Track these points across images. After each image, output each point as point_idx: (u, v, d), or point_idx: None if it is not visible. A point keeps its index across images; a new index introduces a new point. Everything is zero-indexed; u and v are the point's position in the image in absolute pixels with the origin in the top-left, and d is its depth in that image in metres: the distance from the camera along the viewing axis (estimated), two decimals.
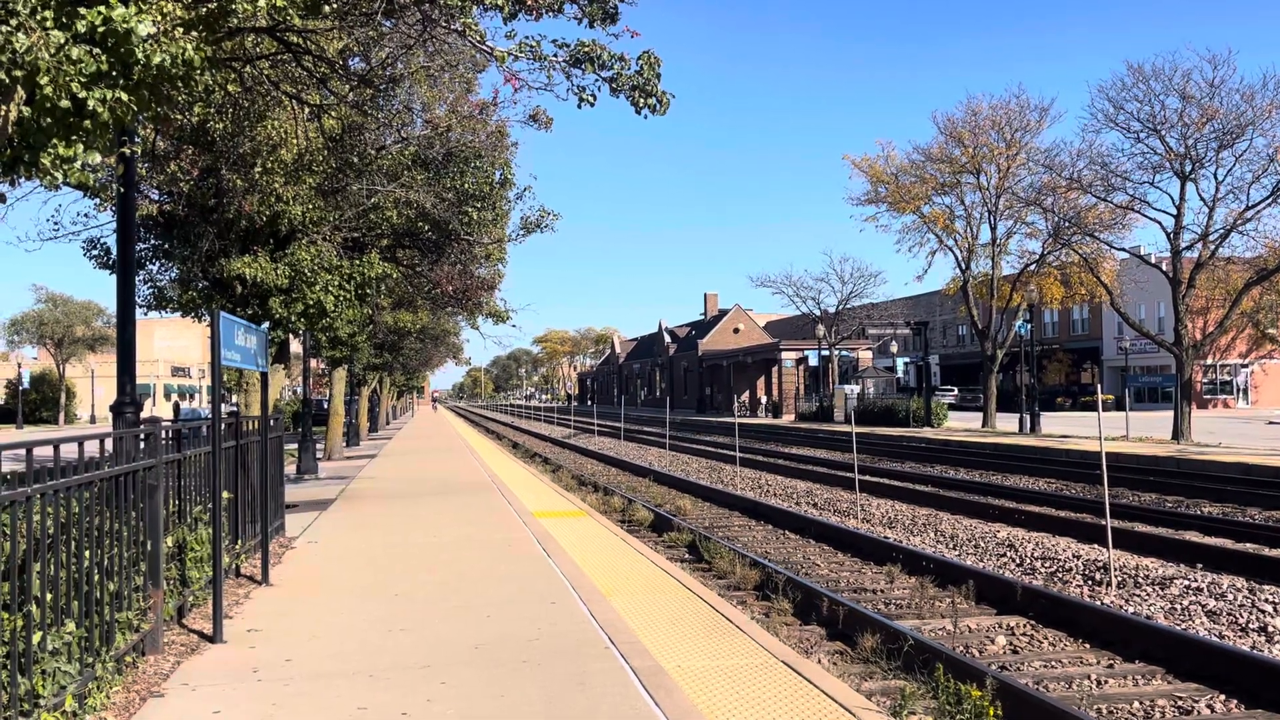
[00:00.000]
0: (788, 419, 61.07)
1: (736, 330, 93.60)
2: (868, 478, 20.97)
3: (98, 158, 5.23)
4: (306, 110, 11.12)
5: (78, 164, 5.26)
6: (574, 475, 25.14)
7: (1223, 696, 6.95)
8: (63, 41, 4.92)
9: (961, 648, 8.27)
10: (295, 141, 11.85)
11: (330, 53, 9.72)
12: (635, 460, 30.02)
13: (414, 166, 14.57)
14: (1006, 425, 39.95)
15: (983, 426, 40.00)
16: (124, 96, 5.25)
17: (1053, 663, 7.91)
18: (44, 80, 4.92)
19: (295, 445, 23.45)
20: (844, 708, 5.33)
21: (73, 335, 78.14)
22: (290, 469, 20.06)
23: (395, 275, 16.89)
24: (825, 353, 57.16)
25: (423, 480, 20.09)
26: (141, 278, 13.87)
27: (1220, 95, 29.22)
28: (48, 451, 5.24)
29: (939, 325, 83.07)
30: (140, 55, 5.16)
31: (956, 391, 71.98)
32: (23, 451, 4.90)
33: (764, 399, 73.88)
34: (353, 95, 10.25)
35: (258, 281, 13.17)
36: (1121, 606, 9.63)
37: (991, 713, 5.58)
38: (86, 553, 5.36)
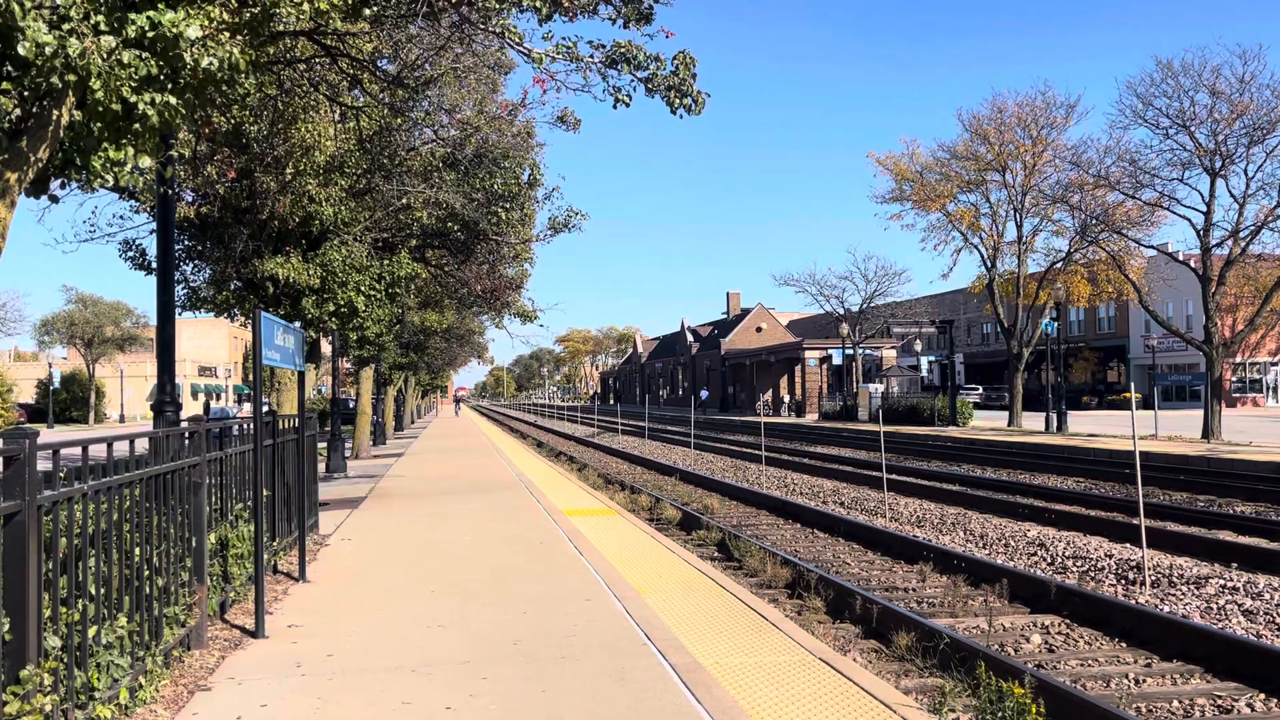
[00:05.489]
0: (811, 418, 60.94)
1: (759, 329, 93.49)
2: (894, 476, 20.92)
3: (148, 161, 5.33)
4: (339, 111, 11.23)
5: (128, 167, 5.35)
6: (600, 474, 25.21)
7: (1262, 695, 6.91)
8: (114, 46, 5.01)
9: (997, 646, 8.26)
10: (328, 143, 11.97)
11: (362, 54, 9.82)
12: (660, 459, 30.05)
13: (444, 167, 14.68)
14: (1032, 424, 39.69)
15: (1009, 425, 39.78)
16: (172, 100, 5.34)
17: (1089, 661, 7.89)
18: (95, 84, 5.02)
19: (324, 444, 23.65)
20: (884, 704, 5.34)
21: (102, 335, 79.03)
22: (320, 467, 20.23)
23: (424, 275, 17.03)
24: (849, 351, 57.01)
25: (451, 478, 20.22)
26: (176, 278, 14.06)
27: (1250, 91, 28.92)
28: (94, 449, 5.34)
29: (964, 324, 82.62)
30: (189, 59, 5.25)
31: (981, 390, 71.54)
32: (77, 450, 5.00)
33: (787, 398, 73.75)
34: (386, 96, 10.34)
35: (290, 282, 13.32)
36: (1157, 606, 9.58)
37: (1034, 710, 5.58)
38: (136, 549, 5.45)
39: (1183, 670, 7.52)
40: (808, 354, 70.63)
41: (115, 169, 5.34)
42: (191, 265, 14.43)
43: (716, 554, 13.01)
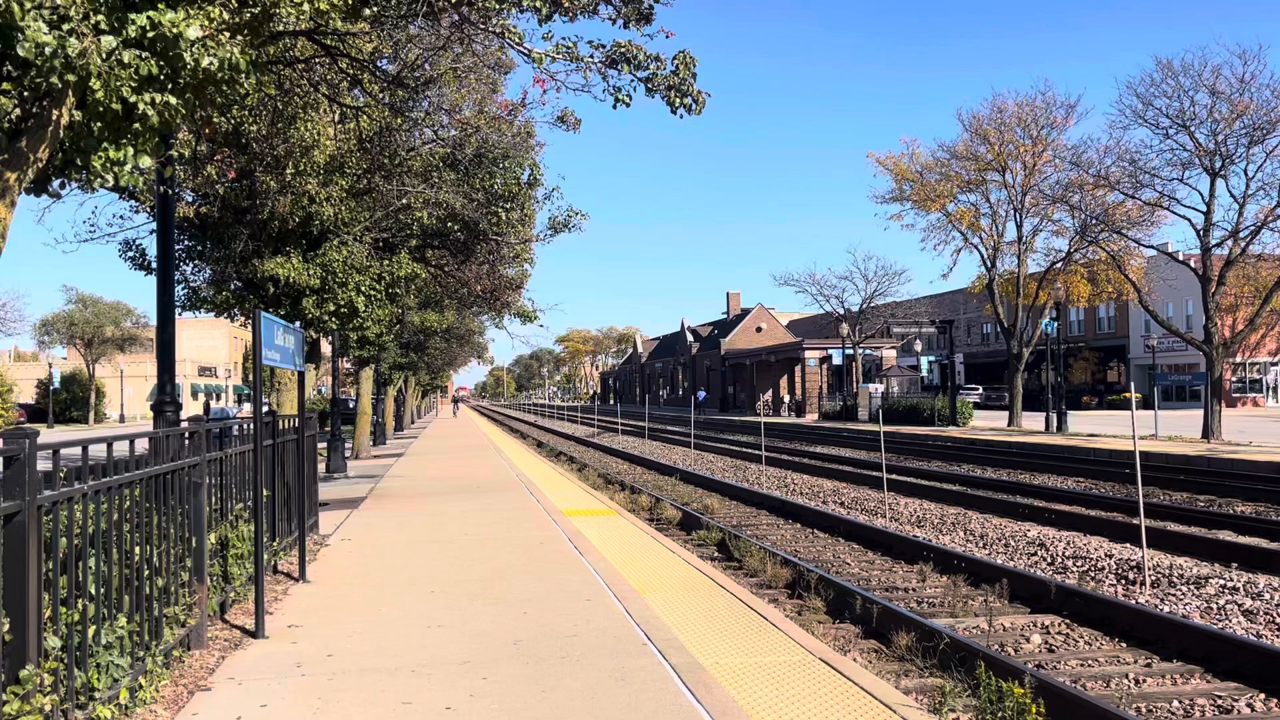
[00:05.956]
0: (811, 418, 60.94)
1: (759, 329, 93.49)
2: (894, 476, 20.92)
3: (148, 161, 5.32)
4: (339, 111, 11.23)
5: (128, 167, 5.35)
6: (600, 474, 25.21)
7: (1262, 696, 6.91)
8: (114, 46, 5.01)
9: (997, 646, 8.26)
10: (328, 143, 11.96)
11: (362, 54, 9.81)
12: (660, 459, 30.05)
13: (444, 167, 14.68)
14: (1032, 424, 39.70)
15: (1008, 425, 39.78)
16: (172, 100, 5.34)
17: (1089, 661, 7.88)
18: (95, 84, 5.01)
19: (324, 444, 23.64)
20: (884, 704, 5.34)
21: (102, 335, 78.92)
22: (320, 467, 20.22)
23: (424, 275, 17.01)
24: (849, 351, 57.01)
25: (451, 479, 20.21)
26: (176, 278, 14.06)
27: (1251, 90, 28.93)
28: (94, 449, 5.33)
29: (964, 324, 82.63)
30: (189, 59, 5.24)
31: (981, 390, 71.57)
32: (76, 450, 5.00)
33: (787, 398, 73.76)
34: (386, 96, 10.34)
35: (290, 282, 13.31)
36: (1157, 606, 9.58)
37: (1034, 710, 5.58)
38: (136, 549, 5.45)
39: (1183, 670, 7.52)
40: (808, 354, 70.63)
41: (115, 169, 5.34)
42: (191, 265, 14.42)
43: (716, 554, 13.01)
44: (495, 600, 8.07)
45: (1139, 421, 11.48)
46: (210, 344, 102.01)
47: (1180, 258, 36.23)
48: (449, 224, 15.71)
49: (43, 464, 4.37)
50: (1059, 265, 38.89)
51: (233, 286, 14.06)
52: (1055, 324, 37.41)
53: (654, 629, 6.97)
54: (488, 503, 15.42)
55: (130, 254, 14.01)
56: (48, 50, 4.68)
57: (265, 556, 8.02)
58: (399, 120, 12.30)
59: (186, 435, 6.60)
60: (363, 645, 6.72)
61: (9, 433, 4.23)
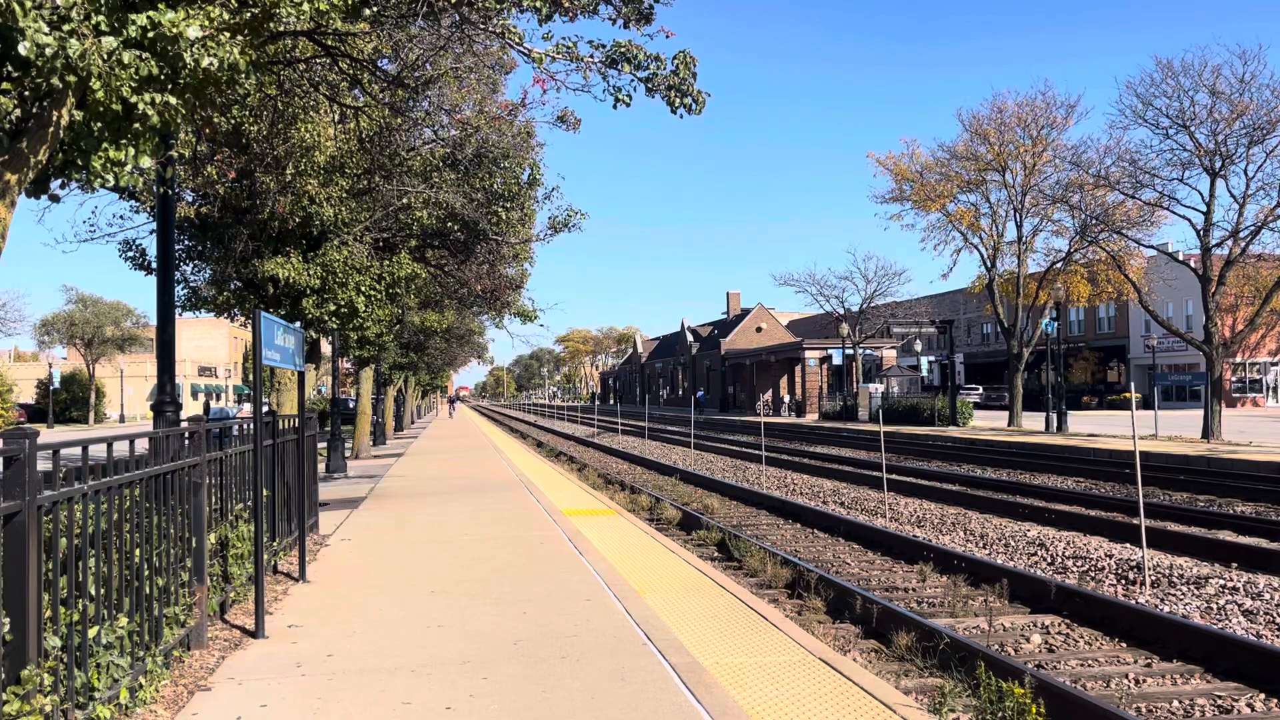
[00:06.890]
0: (811, 418, 60.95)
1: (759, 329, 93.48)
2: (895, 476, 20.92)
3: (149, 161, 5.32)
4: (339, 111, 11.22)
5: (128, 167, 5.35)
6: (600, 474, 25.21)
7: (1263, 696, 6.91)
8: (114, 46, 5.01)
9: (997, 646, 8.26)
10: (328, 143, 11.97)
11: (362, 54, 9.81)
12: (660, 459, 30.05)
13: (444, 167, 14.67)
14: (1032, 424, 39.70)
15: (1009, 425, 39.78)
16: (172, 100, 5.34)
17: (1089, 661, 7.89)
18: (96, 85, 5.01)
19: (324, 444, 23.64)
20: (884, 704, 5.34)
21: (102, 335, 78.93)
22: (320, 467, 20.21)
23: (424, 275, 17.01)
24: (849, 352, 57.01)
25: (451, 478, 20.21)
26: (176, 278, 14.06)
27: (1251, 90, 28.93)
28: (94, 449, 5.33)
29: (964, 324, 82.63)
30: (189, 59, 5.24)
31: (981, 390, 71.58)
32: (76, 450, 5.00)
33: (787, 398, 73.77)
34: (386, 96, 10.33)
35: (290, 282, 13.31)
36: (1157, 606, 9.58)
37: (1034, 710, 5.58)
38: (136, 549, 5.45)
39: (1183, 670, 7.52)
40: (808, 354, 70.64)
41: (115, 169, 5.34)
42: (191, 265, 14.43)
43: (716, 554, 13.01)
44: (495, 600, 8.07)
45: (1139, 421, 11.50)
46: (210, 344, 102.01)
47: (1180, 258, 36.24)
48: (449, 224, 15.71)
49: (43, 464, 4.37)
50: (1059, 265, 38.89)
51: (233, 286, 14.07)
52: (1055, 324, 37.40)
53: (654, 629, 6.97)
54: (488, 503, 15.42)
55: (130, 254, 14.02)
56: (48, 51, 4.68)
57: (265, 556, 8.03)
58: (399, 120, 12.29)
59: (186, 435, 6.60)
60: (362, 645, 6.72)
61: (9, 433, 4.23)
